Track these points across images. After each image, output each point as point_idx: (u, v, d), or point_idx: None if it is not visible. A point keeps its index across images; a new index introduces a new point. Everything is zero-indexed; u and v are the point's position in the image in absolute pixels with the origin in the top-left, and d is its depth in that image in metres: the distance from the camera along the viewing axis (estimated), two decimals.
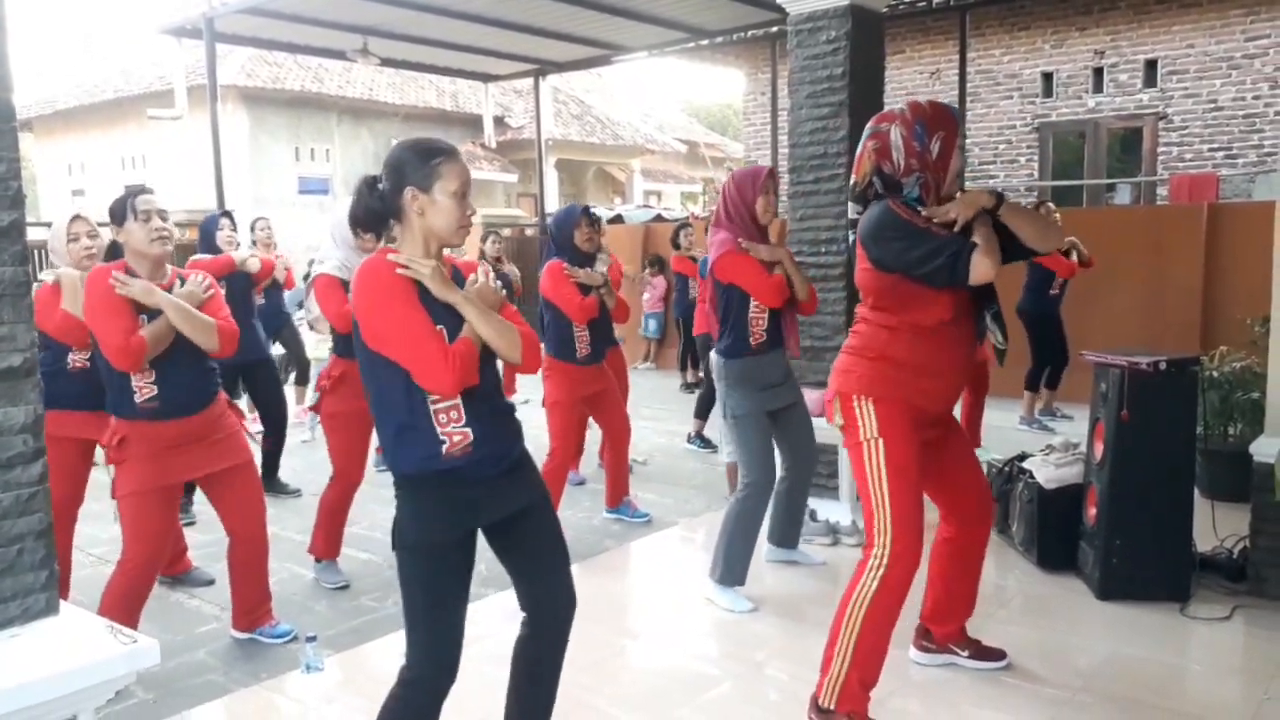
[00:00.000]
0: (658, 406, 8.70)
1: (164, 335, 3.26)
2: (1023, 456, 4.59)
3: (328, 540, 4.39)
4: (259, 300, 6.52)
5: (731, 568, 3.94)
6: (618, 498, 5.33)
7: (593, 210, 5.01)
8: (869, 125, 2.91)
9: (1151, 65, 11.46)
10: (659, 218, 14.36)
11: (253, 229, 6.88)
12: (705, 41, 11.80)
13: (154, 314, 3.30)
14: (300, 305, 9.39)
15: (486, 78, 14.02)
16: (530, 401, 7.77)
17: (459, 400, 2.26)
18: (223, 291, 3.73)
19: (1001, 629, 3.56)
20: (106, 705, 2.11)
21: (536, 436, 4.91)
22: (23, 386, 1.96)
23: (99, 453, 3.70)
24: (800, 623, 3.79)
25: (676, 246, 9.46)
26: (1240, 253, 7.66)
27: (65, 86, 23.33)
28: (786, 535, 4.36)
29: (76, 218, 3.85)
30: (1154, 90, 11.45)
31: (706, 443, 7.05)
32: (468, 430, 2.27)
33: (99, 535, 4.55)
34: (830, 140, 5.00)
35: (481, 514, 2.35)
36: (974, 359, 3.06)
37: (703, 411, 6.98)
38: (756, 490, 3.93)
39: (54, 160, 22.64)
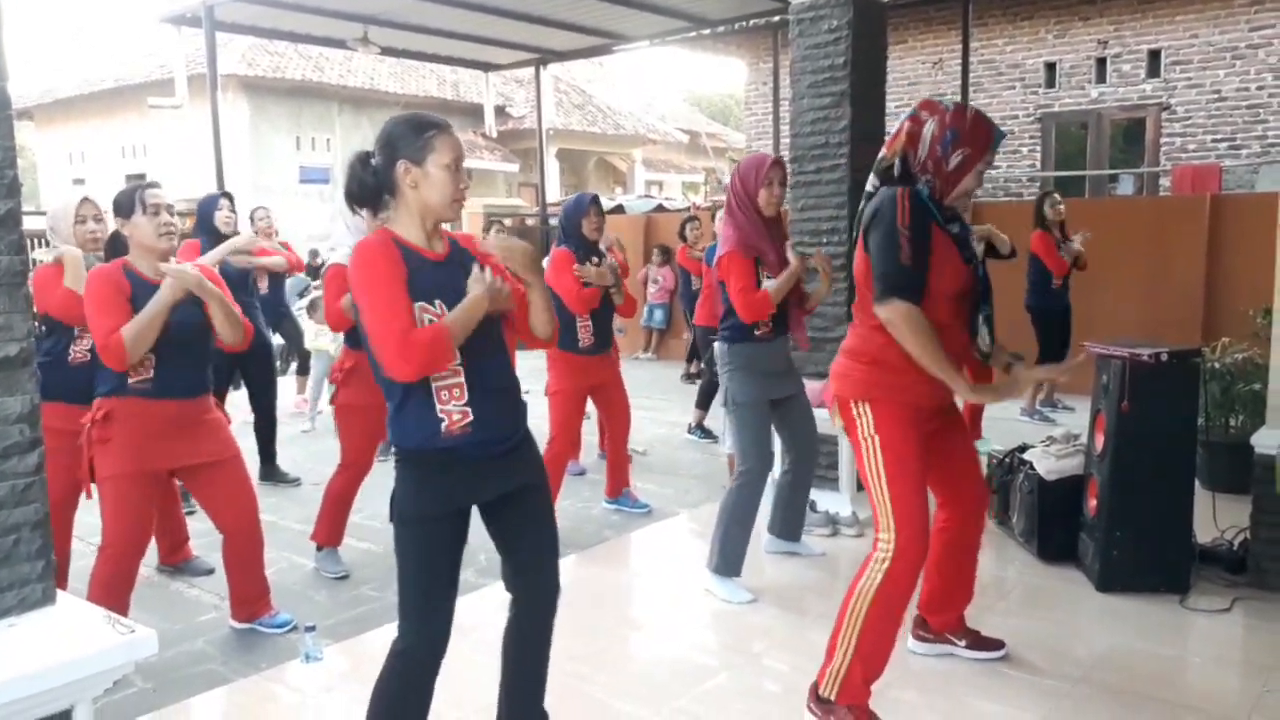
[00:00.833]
0: (658, 397, 8.69)
1: (145, 332, 3.21)
2: (1023, 448, 4.59)
3: (331, 528, 4.39)
4: (262, 289, 6.52)
5: (727, 557, 3.94)
6: (618, 488, 5.33)
7: (600, 201, 4.97)
8: (917, 106, 2.86)
9: (1155, 55, 11.41)
10: (660, 208, 14.34)
11: (252, 218, 6.86)
12: (707, 31, 11.74)
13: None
14: (301, 294, 9.39)
15: (487, 67, 13.98)
16: (531, 391, 7.77)
17: (462, 379, 2.27)
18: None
19: (1001, 620, 3.56)
20: (105, 695, 2.11)
21: (537, 425, 4.91)
22: (19, 376, 1.95)
23: None
24: (799, 614, 3.79)
25: (683, 239, 9.46)
26: (1243, 244, 7.64)
27: (65, 75, 23.27)
28: (788, 527, 4.36)
29: (86, 200, 3.84)
30: (1157, 80, 11.41)
31: (707, 433, 7.04)
32: (468, 409, 2.27)
33: (98, 524, 4.55)
34: (832, 130, 4.98)
35: (477, 492, 2.37)
36: (972, 353, 3.04)
37: (704, 402, 6.98)
38: (752, 478, 3.92)
39: (54, 149, 22.60)
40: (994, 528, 4.60)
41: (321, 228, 16.80)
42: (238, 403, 6.28)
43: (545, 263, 4.90)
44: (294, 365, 8.51)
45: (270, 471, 5.94)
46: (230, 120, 15.23)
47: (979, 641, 3.30)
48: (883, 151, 2.89)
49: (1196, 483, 4.02)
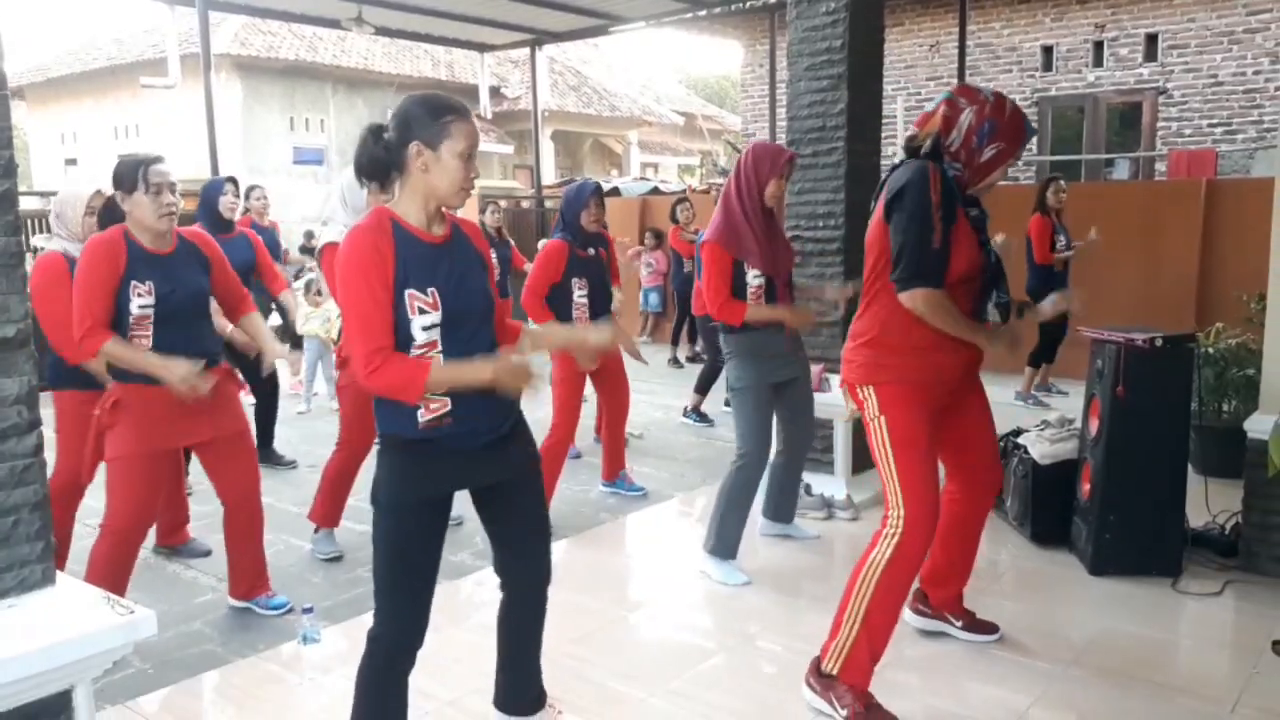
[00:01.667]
0: (654, 381, 8.70)
1: (122, 363, 3.24)
2: (1018, 432, 4.60)
3: (328, 508, 4.38)
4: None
5: (724, 540, 3.96)
6: (614, 471, 5.34)
7: (602, 192, 4.88)
8: (954, 91, 2.81)
9: (1152, 39, 11.40)
10: (656, 190, 14.31)
11: (247, 197, 6.82)
12: (703, 12, 11.71)
13: (163, 271, 3.28)
14: (297, 276, 9.36)
15: (483, 48, 13.92)
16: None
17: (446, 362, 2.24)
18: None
19: (995, 603, 3.58)
20: (104, 675, 2.12)
21: (537, 413, 4.91)
22: (17, 358, 1.94)
23: None
24: (794, 596, 3.81)
25: (675, 220, 9.43)
26: (1238, 229, 7.66)
27: (58, 54, 23.11)
28: (780, 509, 4.38)
29: (98, 192, 3.80)
30: (1154, 65, 11.40)
31: (703, 417, 7.05)
32: (446, 400, 2.25)
33: (95, 506, 4.55)
34: (829, 113, 4.97)
35: (455, 482, 2.36)
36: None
37: (703, 386, 6.98)
38: (752, 462, 3.93)
39: (46, 129, 22.48)
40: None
41: (315, 209, 16.74)
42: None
43: (541, 246, 4.90)
44: (288, 346, 8.49)
45: (267, 455, 5.93)
46: (223, 100, 15.16)
47: (974, 624, 3.33)
48: (912, 129, 2.85)
49: (1189, 467, 4.05)
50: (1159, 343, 3.82)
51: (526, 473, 2.48)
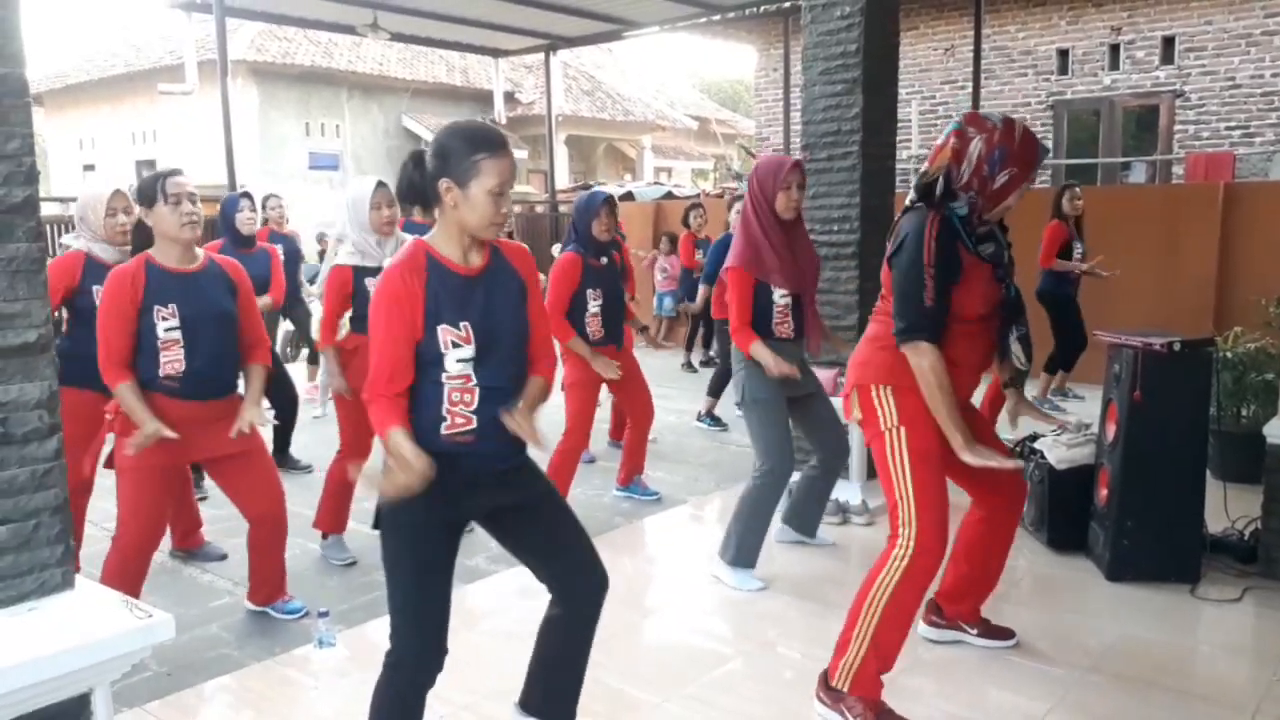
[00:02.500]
0: (668, 385, 8.69)
1: (122, 404, 3.30)
2: (1034, 437, 4.58)
3: (334, 515, 4.40)
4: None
5: (743, 551, 3.94)
6: (630, 476, 5.33)
7: (614, 201, 4.85)
8: (962, 120, 2.80)
9: (1169, 42, 11.33)
10: (670, 195, 14.31)
11: (264, 206, 6.85)
12: (717, 16, 11.71)
13: (187, 290, 3.34)
14: (311, 281, 9.39)
15: (497, 53, 13.97)
16: None
17: (475, 390, 2.24)
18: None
19: (1011, 609, 3.57)
20: (121, 679, 2.13)
21: (550, 415, 4.91)
22: (38, 362, 1.96)
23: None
24: (811, 602, 3.80)
25: (687, 226, 9.43)
26: (1256, 233, 7.60)
27: (76, 61, 23.30)
28: (805, 523, 4.33)
29: (118, 192, 3.85)
30: (1171, 68, 11.33)
31: (717, 421, 7.04)
32: (473, 416, 2.25)
33: (110, 509, 4.58)
34: (844, 118, 4.96)
35: (463, 509, 2.34)
36: (993, 353, 3.02)
37: (715, 390, 6.97)
38: (773, 478, 3.89)
39: (64, 135, 22.67)
40: None
41: (331, 215, 16.82)
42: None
43: (557, 259, 4.88)
44: (305, 351, 8.52)
45: (283, 459, 5.96)
46: (240, 106, 15.24)
47: (990, 630, 3.31)
48: (924, 166, 2.84)
49: (1208, 472, 4.02)
50: (1177, 347, 3.79)
51: (543, 493, 2.45)
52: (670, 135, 26.77)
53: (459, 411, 2.24)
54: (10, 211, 1.90)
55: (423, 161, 2.26)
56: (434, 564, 2.29)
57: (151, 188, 3.30)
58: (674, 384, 8.76)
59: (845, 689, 2.78)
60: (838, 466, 4.22)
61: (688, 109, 28.60)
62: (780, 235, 3.81)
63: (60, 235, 7.76)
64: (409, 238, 2.51)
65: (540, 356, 2.44)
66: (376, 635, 3.55)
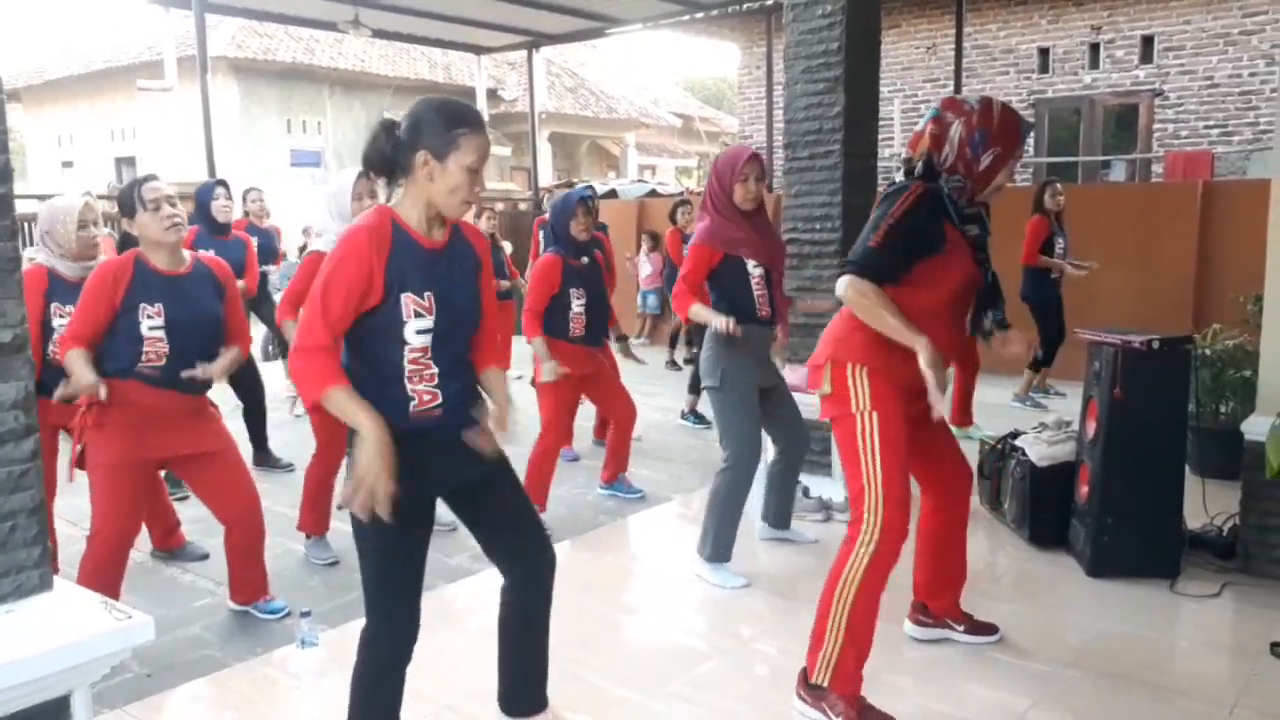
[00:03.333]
0: (652, 383, 8.69)
1: (68, 368, 3.26)
2: (1015, 434, 4.61)
3: (315, 516, 4.38)
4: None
5: (718, 544, 3.95)
6: (614, 474, 5.32)
7: (590, 200, 4.83)
8: (940, 106, 2.82)
9: (1148, 41, 11.42)
10: (654, 193, 14.30)
11: (245, 199, 6.80)
12: (700, 14, 11.71)
13: (174, 292, 3.33)
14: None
15: (479, 50, 13.92)
16: (523, 377, 7.76)
17: (434, 364, 2.25)
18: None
19: (993, 605, 3.58)
20: (101, 680, 2.11)
21: (525, 409, 4.90)
22: (13, 362, 1.94)
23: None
24: (792, 599, 3.80)
25: (674, 222, 9.43)
26: (1234, 231, 7.67)
27: (54, 56, 23.09)
28: (779, 516, 4.37)
29: (88, 205, 3.78)
30: (1150, 66, 11.42)
31: (700, 418, 7.05)
32: (437, 391, 2.27)
33: (85, 507, 4.54)
34: (826, 116, 4.97)
35: (435, 481, 2.35)
36: (964, 338, 3.06)
37: (696, 386, 6.98)
38: (741, 466, 3.91)
39: (43, 131, 22.45)
40: (986, 514, 4.63)
41: (312, 212, 16.73)
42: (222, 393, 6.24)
43: (536, 261, 4.87)
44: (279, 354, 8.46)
45: (263, 458, 5.93)
46: (220, 103, 15.13)
47: (974, 626, 3.33)
48: (906, 152, 2.87)
49: (1187, 469, 4.05)
50: (1156, 345, 3.82)
51: (500, 467, 2.47)
52: (654, 133, 26.78)
53: (424, 389, 2.25)
54: None
55: (394, 130, 2.24)
56: (405, 539, 2.29)
57: (129, 198, 3.32)
58: (658, 381, 8.76)
59: (826, 684, 2.78)
60: (800, 456, 4.27)
61: (672, 107, 28.61)
62: (743, 221, 3.84)
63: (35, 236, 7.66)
64: None
65: (492, 344, 2.49)
66: (359, 635, 3.54)
